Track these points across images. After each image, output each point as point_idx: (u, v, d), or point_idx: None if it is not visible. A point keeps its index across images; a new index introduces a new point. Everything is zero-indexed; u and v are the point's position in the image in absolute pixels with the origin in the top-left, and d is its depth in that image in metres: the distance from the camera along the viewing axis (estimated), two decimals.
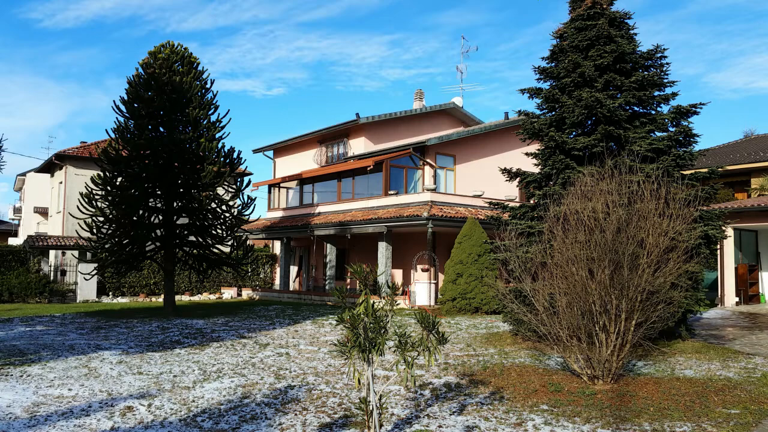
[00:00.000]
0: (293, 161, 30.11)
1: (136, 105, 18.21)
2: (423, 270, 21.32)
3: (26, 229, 42.54)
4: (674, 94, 11.77)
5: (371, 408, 5.47)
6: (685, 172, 11.51)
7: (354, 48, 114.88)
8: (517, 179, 12.99)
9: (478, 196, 22.18)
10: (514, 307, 9.02)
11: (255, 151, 31.64)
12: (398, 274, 23.69)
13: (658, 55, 11.76)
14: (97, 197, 18.10)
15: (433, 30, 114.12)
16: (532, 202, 12.86)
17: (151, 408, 6.94)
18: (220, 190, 26.66)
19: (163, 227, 18.67)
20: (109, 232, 17.89)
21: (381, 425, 6.08)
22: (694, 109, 11.49)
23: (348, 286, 24.65)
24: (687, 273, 8.73)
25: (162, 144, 17.75)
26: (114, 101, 18.99)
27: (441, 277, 20.97)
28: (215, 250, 19.60)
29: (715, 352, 10.44)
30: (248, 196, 19.72)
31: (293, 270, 28.93)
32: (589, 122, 11.96)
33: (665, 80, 11.74)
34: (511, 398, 7.35)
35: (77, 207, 18.40)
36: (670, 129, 11.75)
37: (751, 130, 45.32)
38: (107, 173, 17.95)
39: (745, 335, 12.61)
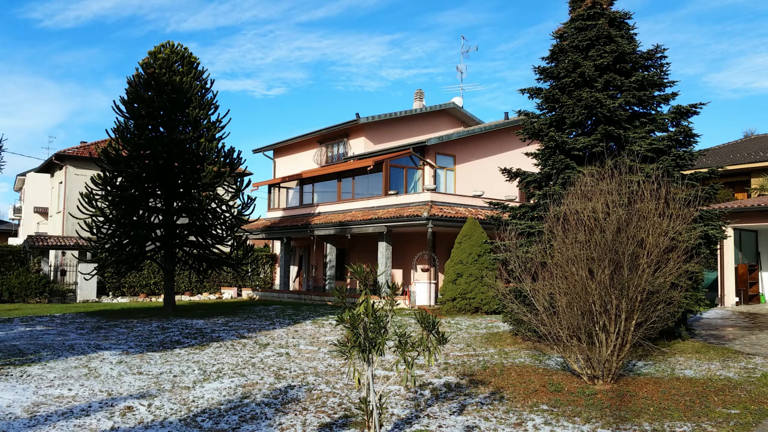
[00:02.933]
0: (293, 161, 30.12)
1: (136, 105, 18.23)
2: (423, 270, 21.32)
3: (26, 229, 42.55)
4: (674, 94, 11.78)
5: (371, 408, 5.46)
6: (685, 172, 11.51)
7: (354, 48, 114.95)
8: (517, 179, 12.99)
9: (478, 196, 22.18)
10: (514, 307, 9.02)
11: (255, 151, 31.66)
12: (398, 274, 23.69)
13: (658, 55, 11.76)
14: (97, 197, 18.11)
15: (433, 30, 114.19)
16: (532, 202, 12.86)
17: (151, 408, 6.94)
18: (220, 190, 26.67)
19: (163, 227, 18.68)
20: (109, 232, 17.90)
21: (381, 425, 6.08)
22: (694, 109, 11.50)
23: (348, 286, 24.65)
24: (687, 273, 8.73)
25: (162, 144, 17.76)
26: (114, 101, 19.01)
27: (441, 277, 20.98)
28: (215, 250, 19.61)
29: (715, 352, 10.44)
30: (248, 196, 19.75)
31: (293, 270, 28.94)
32: (589, 122, 11.97)
33: (665, 80, 11.74)
34: (511, 398, 7.35)
35: (77, 207, 18.42)
36: (670, 129, 11.75)
37: (751, 130, 45.27)
38: (107, 173, 17.96)
39: (745, 335, 12.61)
